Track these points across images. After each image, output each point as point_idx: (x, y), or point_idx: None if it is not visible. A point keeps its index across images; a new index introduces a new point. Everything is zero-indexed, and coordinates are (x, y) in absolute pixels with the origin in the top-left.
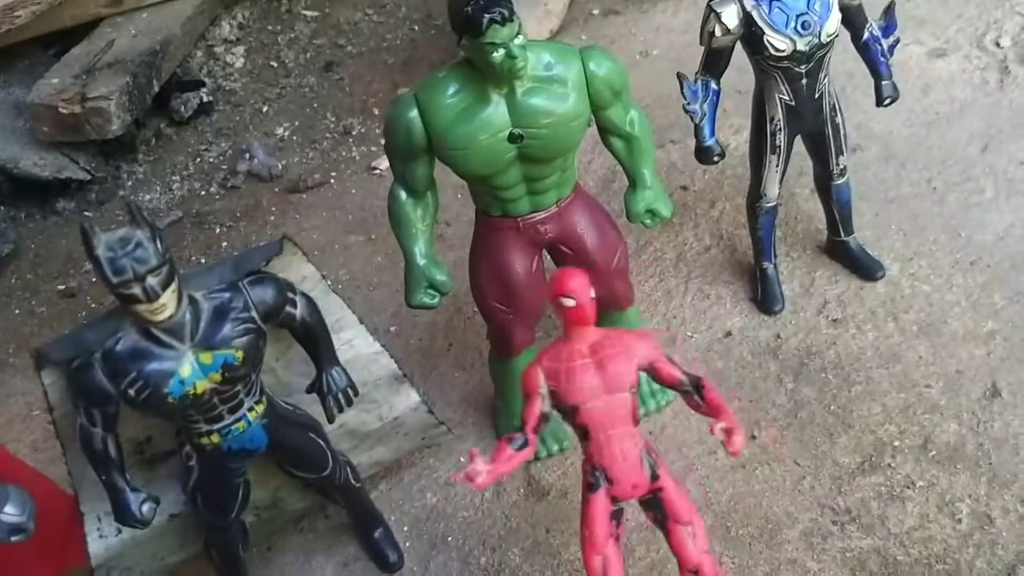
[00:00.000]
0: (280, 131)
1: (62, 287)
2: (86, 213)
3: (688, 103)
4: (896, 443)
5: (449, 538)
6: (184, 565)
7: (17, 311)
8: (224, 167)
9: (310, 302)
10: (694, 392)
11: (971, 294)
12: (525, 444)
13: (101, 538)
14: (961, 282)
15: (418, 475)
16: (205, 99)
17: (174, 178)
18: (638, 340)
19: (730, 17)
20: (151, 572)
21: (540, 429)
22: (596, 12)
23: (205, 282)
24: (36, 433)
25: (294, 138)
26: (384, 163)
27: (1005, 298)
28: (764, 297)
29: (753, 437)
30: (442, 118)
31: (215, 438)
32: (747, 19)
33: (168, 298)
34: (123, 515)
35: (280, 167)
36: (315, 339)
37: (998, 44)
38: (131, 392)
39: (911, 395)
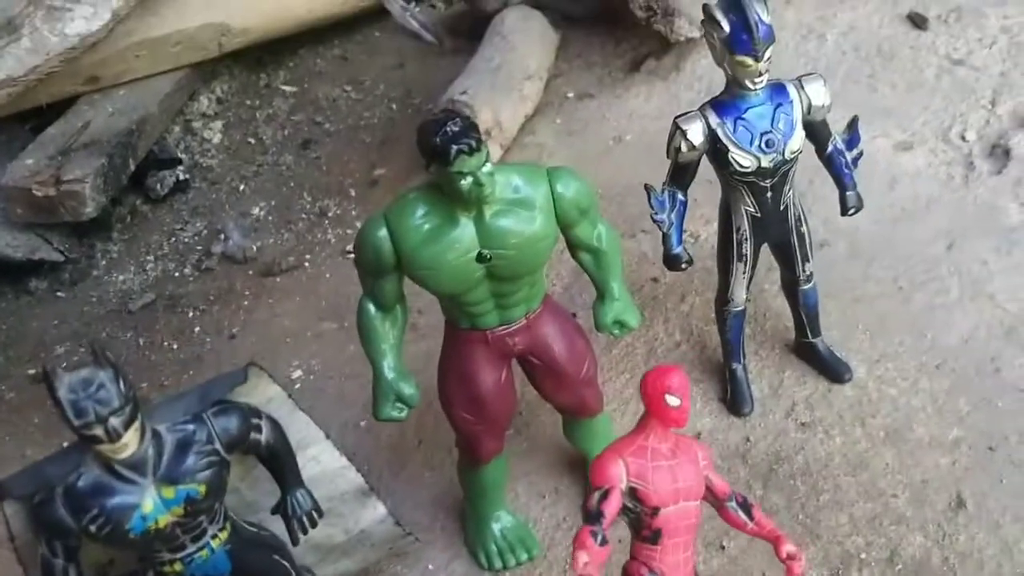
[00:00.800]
0: (256, 211)
1: (32, 371)
2: (59, 293)
3: (656, 213)
4: (863, 555)
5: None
6: None
7: None
8: (199, 248)
9: (275, 426)
10: (739, 509)
11: (936, 399)
12: (605, 540)
13: None
14: (927, 386)
15: None
16: (181, 177)
17: (148, 258)
18: (700, 448)
19: (695, 134)
20: None
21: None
22: (571, 95)
23: (170, 414)
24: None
25: (270, 218)
26: None
27: (969, 404)
28: (734, 399)
29: (722, 548)
30: (411, 239)
31: (178, 567)
32: (712, 136)
33: (130, 437)
34: None
35: (255, 249)
36: (280, 463)
37: (963, 138)
38: (92, 528)
39: (878, 504)
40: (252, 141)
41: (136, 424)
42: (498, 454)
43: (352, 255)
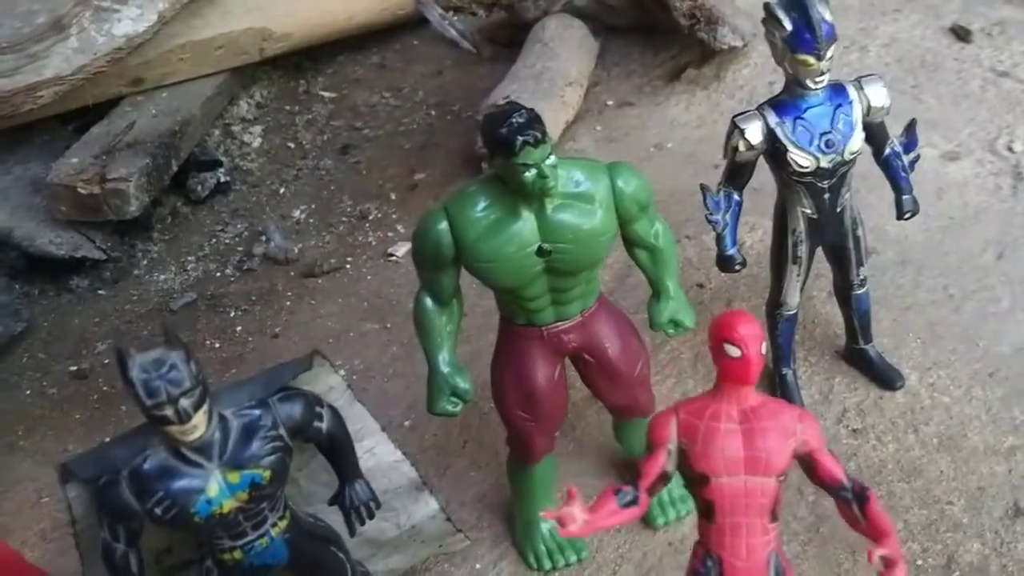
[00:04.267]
0: (297, 213)
1: (74, 368)
2: (99, 292)
3: (710, 213)
4: (919, 562)
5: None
6: None
7: (28, 391)
8: (240, 249)
9: (336, 415)
10: (854, 501)
11: (991, 407)
12: (635, 501)
13: None
14: (980, 394)
15: None
16: (222, 179)
17: (189, 258)
18: (801, 419)
19: (754, 133)
20: None
21: (656, 489)
22: (611, 103)
23: (235, 399)
24: (44, 522)
25: (310, 221)
26: (401, 250)
27: None
28: None
29: None
30: (471, 231)
31: (237, 554)
32: (771, 136)
33: (199, 419)
34: None
35: (296, 251)
36: (340, 452)
37: (1010, 149)
38: (157, 511)
39: (933, 511)
40: (292, 145)
41: (205, 407)
42: (548, 453)
43: (393, 258)
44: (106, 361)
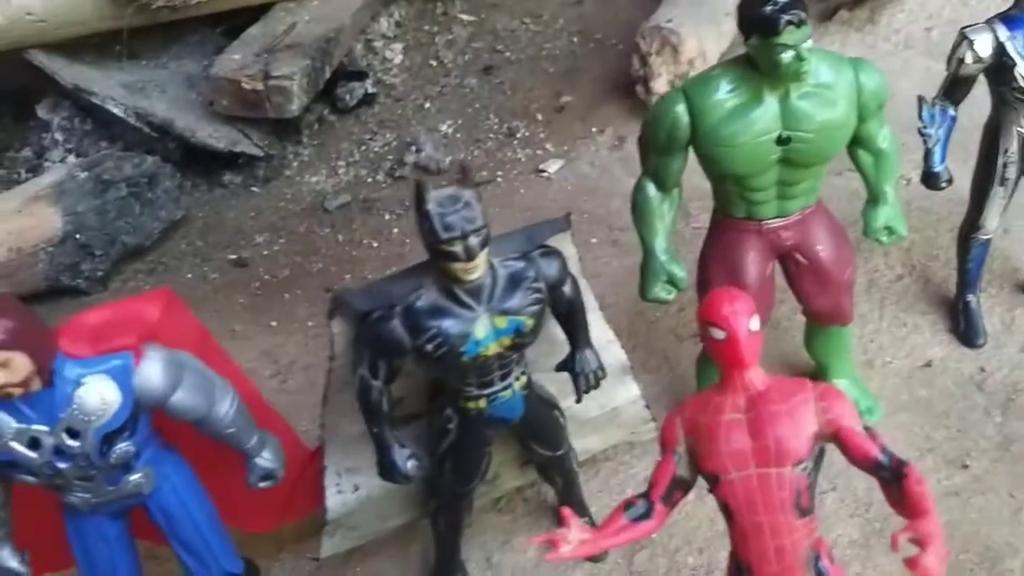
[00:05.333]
0: (443, 127)
1: (233, 256)
2: (252, 188)
3: (924, 126)
4: None
5: (654, 535)
6: (396, 530)
7: (189, 275)
8: (390, 157)
9: (576, 283)
10: (892, 480)
11: None
12: (647, 514)
13: (339, 494)
14: None
15: (615, 470)
16: (369, 90)
17: (339, 163)
18: (822, 396)
19: (983, 46)
20: (372, 533)
21: (674, 498)
22: None
23: (500, 249)
24: None
25: (458, 135)
26: (552, 167)
27: None
28: (967, 329)
29: (965, 467)
30: (712, 114)
31: (482, 403)
32: (1000, 49)
33: (481, 259)
34: (389, 470)
35: (447, 162)
36: (575, 319)
37: None
38: (428, 347)
39: None
40: (433, 63)
41: (486, 249)
42: None
43: (544, 174)
44: (265, 252)
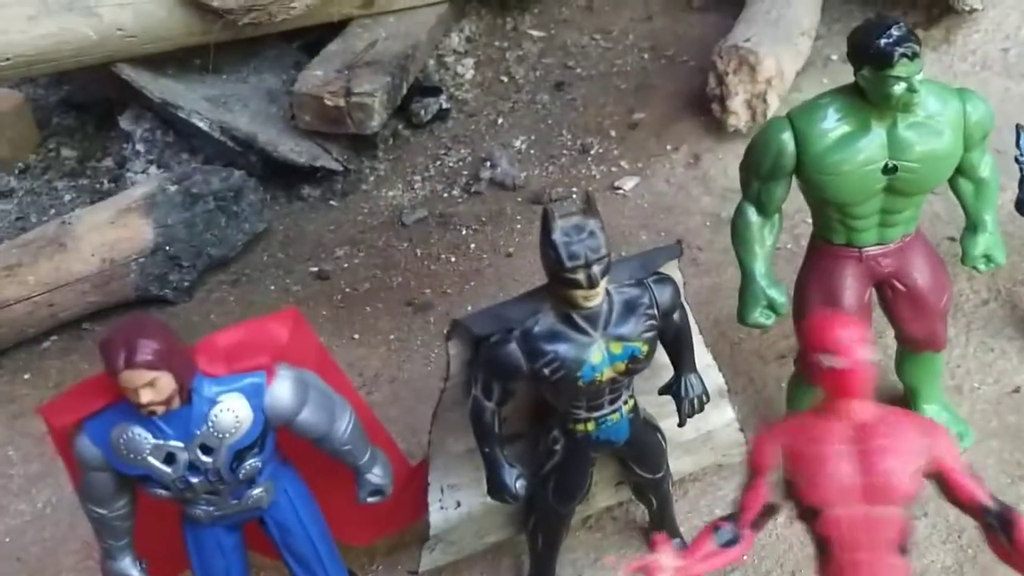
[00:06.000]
0: (517, 143)
1: (314, 269)
2: (331, 202)
3: (1022, 153)
4: None
5: (744, 556)
6: (497, 545)
7: (272, 287)
8: (465, 172)
9: (684, 308)
10: (999, 528)
11: None
12: (736, 540)
13: (441, 509)
14: None
15: (703, 491)
16: (443, 106)
17: (415, 178)
18: (928, 432)
19: None
20: (470, 548)
21: (761, 524)
22: (834, 58)
23: (615, 275)
24: None
25: (532, 151)
26: (628, 184)
27: None
28: None
29: None
30: (818, 143)
31: (590, 426)
32: None
33: (602, 287)
34: (499, 489)
35: (522, 177)
36: (681, 345)
37: None
38: (546, 371)
39: None
40: (504, 79)
41: (607, 277)
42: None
43: (620, 191)
44: (346, 265)
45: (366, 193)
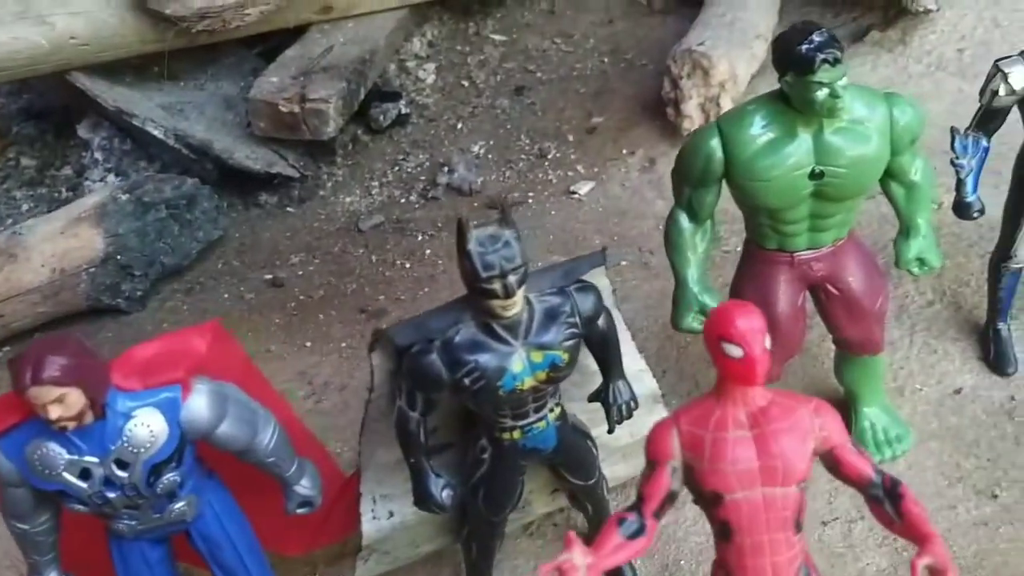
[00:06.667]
0: (476, 148)
1: (269, 276)
2: (288, 209)
3: (957, 157)
4: None
5: (682, 562)
6: (429, 555)
7: (226, 295)
8: (423, 178)
9: (610, 315)
10: (886, 500)
11: None
12: (641, 530)
13: (374, 519)
14: None
15: None
16: (403, 111)
17: (373, 184)
18: (818, 412)
19: (1018, 79)
20: (405, 558)
21: (663, 512)
22: None
23: (537, 284)
24: None
25: (490, 156)
26: (583, 188)
27: None
28: (998, 358)
29: (994, 496)
30: (746, 149)
31: (516, 434)
32: None
33: (520, 297)
34: (425, 499)
35: (479, 183)
36: (608, 351)
37: None
38: (466, 381)
39: None
40: (465, 84)
41: (524, 286)
42: (774, 382)
43: (575, 196)
44: (300, 272)
45: (324, 199)
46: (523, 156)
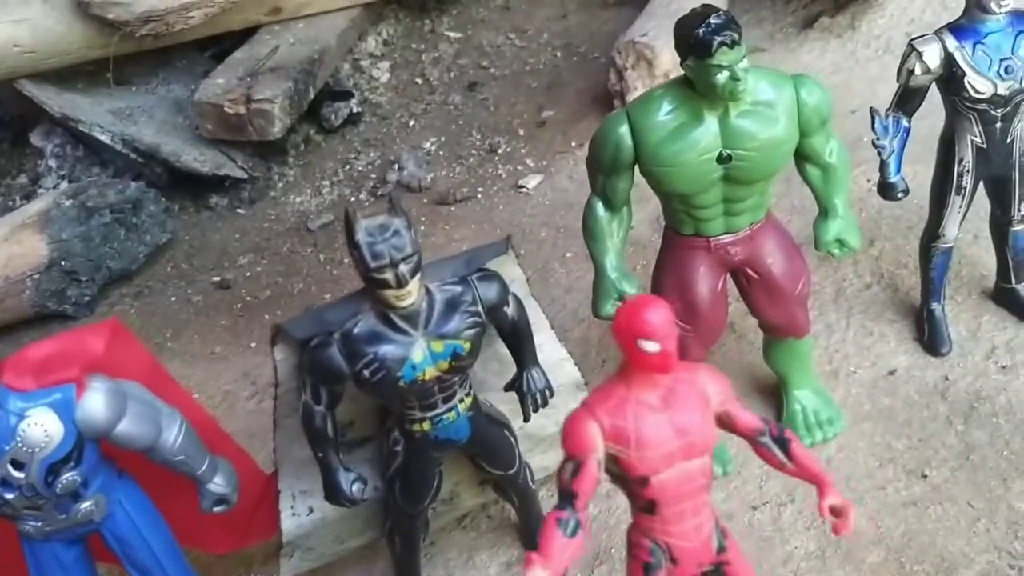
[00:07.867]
0: (427, 145)
1: (217, 279)
2: (238, 210)
3: (878, 138)
4: None
5: (613, 550)
6: (360, 550)
7: (173, 298)
8: (374, 176)
9: (520, 303)
10: (774, 445)
11: None
12: (579, 526)
13: (294, 516)
14: None
15: None
16: (355, 110)
17: (324, 183)
18: (711, 378)
19: (932, 57)
20: (330, 554)
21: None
22: None
23: (438, 274)
24: None
25: (441, 152)
26: (532, 182)
27: None
28: (931, 338)
29: (924, 476)
30: (653, 135)
31: (426, 425)
32: (949, 60)
33: (414, 286)
34: (334, 493)
35: (429, 179)
36: (520, 339)
37: None
38: (366, 373)
39: None
40: (419, 81)
41: (418, 275)
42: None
43: (523, 190)
44: (248, 273)
45: (274, 200)
46: (474, 152)
